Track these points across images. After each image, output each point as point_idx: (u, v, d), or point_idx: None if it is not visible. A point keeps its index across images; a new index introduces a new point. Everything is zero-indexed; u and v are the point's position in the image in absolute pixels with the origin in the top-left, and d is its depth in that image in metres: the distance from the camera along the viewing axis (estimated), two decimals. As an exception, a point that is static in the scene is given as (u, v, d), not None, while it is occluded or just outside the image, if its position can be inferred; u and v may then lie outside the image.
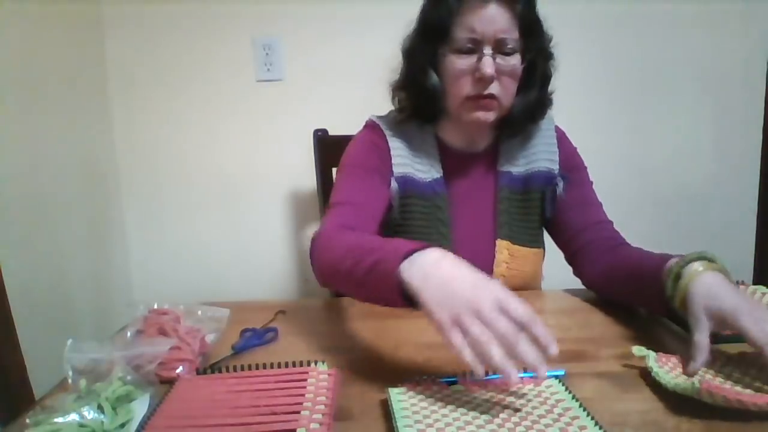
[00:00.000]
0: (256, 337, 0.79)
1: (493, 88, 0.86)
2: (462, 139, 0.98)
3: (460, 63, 0.86)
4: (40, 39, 1.23)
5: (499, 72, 0.86)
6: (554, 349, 0.54)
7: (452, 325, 0.55)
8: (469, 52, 0.86)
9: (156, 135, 1.55)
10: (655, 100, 1.56)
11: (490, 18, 0.84)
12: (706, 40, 1.53)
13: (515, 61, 0.87)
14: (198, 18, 1.50)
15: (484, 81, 0.85)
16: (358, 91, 1.48)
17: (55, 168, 1.27)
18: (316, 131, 1.31)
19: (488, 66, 0.84)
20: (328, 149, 1.27)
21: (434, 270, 0.59)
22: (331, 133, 1.32)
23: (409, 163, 0.95)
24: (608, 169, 1.54)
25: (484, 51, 0.84)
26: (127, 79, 1.52)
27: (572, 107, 1.52)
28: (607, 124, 1.57)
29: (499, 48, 0.85)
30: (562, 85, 0.95)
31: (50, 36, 1.27)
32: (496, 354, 0.52)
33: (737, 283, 0.92)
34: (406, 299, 0.60)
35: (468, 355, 0.53)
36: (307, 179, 1.49)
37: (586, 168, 1.01)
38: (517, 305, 0.55)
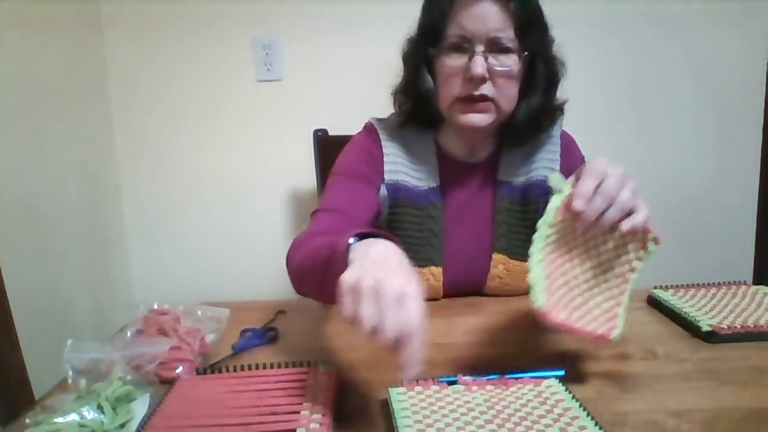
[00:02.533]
0: (256, 337, 0.79)
1: (486, 89, 0.82)
2: (462, 147, 0.94)
3: (451, 62, 0.83)
4: (40, 39, 1.23)
5: (492, 72, 0.81)
6: (410, 373, 0.49)
7: (350, 289, 0.50)
8: (460, 51, 0.82)
9: (156, 135, 1.55)
10: (654, 100, 1.56)
11: (481, 16, 0.80)
12: (706, 40, 1.53)
13: (511, 61, 0.82)
14: (198, 18, 1.49)
15: (474, 81, 0.81)
16: (358, 91, 1.48)
17: (55, 168, 1.27)
18: (316, 131, 1.31)
19: (478, 65, 0.80)
20: (328, 149, 1.27)
21: (371, 249, 0.55)
22: (331, 133, 1.32)
23: (404, 170, 0.92)
24: (608, 169, 1.54)
25: (476, 50, 0.80)
26: (127, 80, 1.52)
27: (571, 107, 1.52)
28: (606, 124, 1.56)
29: (492, 47, 0.81)
30: (561, 85, 0.94)
31: (50, 36, 1.27)
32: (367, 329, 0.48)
33: (737, 282, 0.93)
34: None
35: (348, 316, 0.49)
36: (307, 179, 1.49)
37: None
38: (412, 312, 0.48)
